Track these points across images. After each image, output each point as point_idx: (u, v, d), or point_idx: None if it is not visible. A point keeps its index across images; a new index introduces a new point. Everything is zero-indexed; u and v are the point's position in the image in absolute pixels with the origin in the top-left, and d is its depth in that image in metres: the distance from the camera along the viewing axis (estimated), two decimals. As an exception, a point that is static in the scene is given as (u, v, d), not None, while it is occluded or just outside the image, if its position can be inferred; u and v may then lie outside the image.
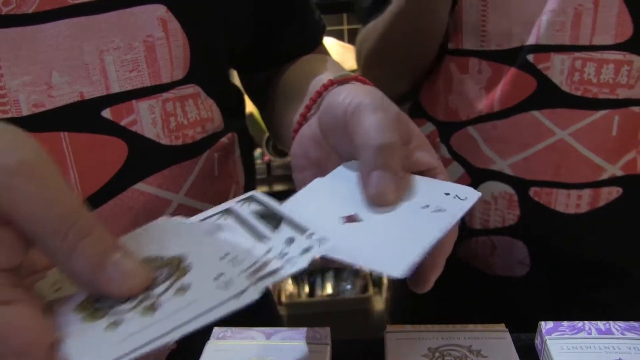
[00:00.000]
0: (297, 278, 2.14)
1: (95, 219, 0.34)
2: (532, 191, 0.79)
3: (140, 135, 0.56)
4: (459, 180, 0.83)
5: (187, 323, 0.32)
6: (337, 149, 0.49)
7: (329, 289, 2.14)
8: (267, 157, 2.08)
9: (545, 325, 0.52)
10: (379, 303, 2.09)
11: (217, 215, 0.43)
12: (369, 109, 0.45)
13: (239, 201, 0.45)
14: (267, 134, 1.83)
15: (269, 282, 0.34)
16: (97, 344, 0.32)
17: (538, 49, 0.74)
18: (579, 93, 0.74)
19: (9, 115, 0.51)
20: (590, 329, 0.52)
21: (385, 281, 2.04)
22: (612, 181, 0.76)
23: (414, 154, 0.47)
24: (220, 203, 0.61)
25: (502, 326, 0.53)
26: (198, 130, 0.61)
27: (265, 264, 0.35)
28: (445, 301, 0.89)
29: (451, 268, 0.86)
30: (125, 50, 0.54)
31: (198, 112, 0.60)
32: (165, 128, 0.57)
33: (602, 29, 0.72)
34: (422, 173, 0.47)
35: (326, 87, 0.52)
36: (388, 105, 0.46)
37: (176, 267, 0.37)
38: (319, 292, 2.14)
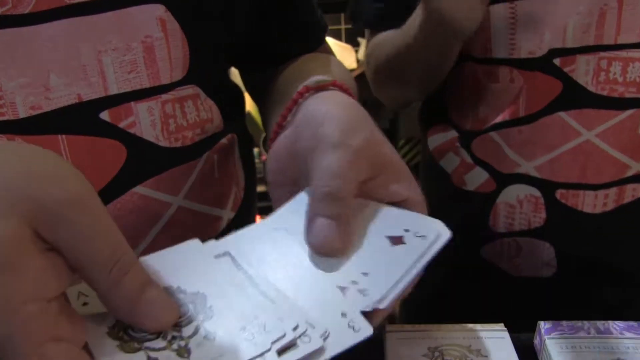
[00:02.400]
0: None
1: (133, 254, 0.35)
2: (559, 193, 0.78)
3: (139, 138, 0.55)
4: (484, 185, 0.82)
5: None
6: (301, 179, 0.47)
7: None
8: (264, 157, 2.06)
9: (544, 325, 0.53)
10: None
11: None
12: (328, 145, 0.43)
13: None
14: (264, 134, 1.82)
15: None
16: None
17: (564, 52, 0.73)
18: (605, 93, 0.73)
19: (6, 118, 0.50)
20: (589, 328, 0.53)
21: None
22: (637, 178, 0.76)
23: (387, 186, 0.46)
24: (221, 205, 0.64)
25: (501, 325, 0.54)
26: (197, 132, 0.60)
27: (292, 343, 0.36)
28: (467, 303, 0.89)
29: (475, 269, 0.86)
30: (123, 51, 0.53)
31: (197, 113, 0.59)
32: (164, 130, 0.57)
33: (627, 28, 0.71)
34: (397, 203, 0.46)
35: (301, 94, 0.51)
36: (354, 136, 0.44)
37: (201, 306, 0.38)
38: None
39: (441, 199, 0.88)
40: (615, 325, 0.53)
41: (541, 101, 0.76)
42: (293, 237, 0.44)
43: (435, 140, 0.88)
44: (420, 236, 0.43)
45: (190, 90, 0.58)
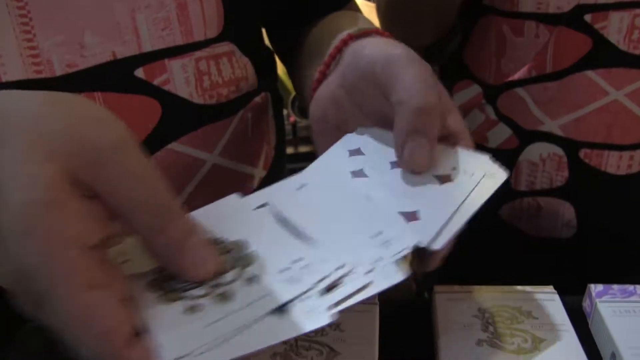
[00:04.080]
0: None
1: (178, 202, 0.35)
2: (583, 153, 0.77)
3: (174, 95, 0.55)
4: (507, 142, 0.80)
5: (262, 318, 0.34)
6: (364, 105, 0.47)
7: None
8: (292, 118, 2.04)
9: (595, 288, 0.53)
10: (415, 265, 2.08)
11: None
12: (403, 62, 0.43)
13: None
14: (292, 95, 1.80)
15: (341, 308, 0.35)
16: (179, 331, 0.33)
17: (596, 7, 0.71)
18: (637, 52, 0.72)
19: (43, 76, 0.50)
20: None
21: None
22: None
23: (444, 118, 0.45)
24: (253, 163, 0.64)
25: (550, 288, 0.54)
26: (232, 90, 0.59)
27: (337, 282, 0.36)
28: (488, 262, 0.88)
29: (494, 229, 0.85)
30: (156, 8, 0.53)
31: (232, 71, 0.59)
32: (198, 87, 0.56)
33: None
34: (446, 137, 0.45)
35: (345, 41, 0.50)
36: (421, 59, 0.44)
37: (241, 254, 0.38)
38: None
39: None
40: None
41: (569, 58, 0.74)
42: (331, 184, 0.45)
43: (461, 97, 0.86)
44: (469, 173, 0.43)
45: (225, 47, 0.58)
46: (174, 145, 0.56)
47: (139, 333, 0.33)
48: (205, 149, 0.58)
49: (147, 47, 0.53)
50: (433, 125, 0.42)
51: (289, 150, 1.99)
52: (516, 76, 0.78)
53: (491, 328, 0.48)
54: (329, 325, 0.35)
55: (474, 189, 0.42)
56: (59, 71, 0.50)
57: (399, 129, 0.42)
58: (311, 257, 0.38)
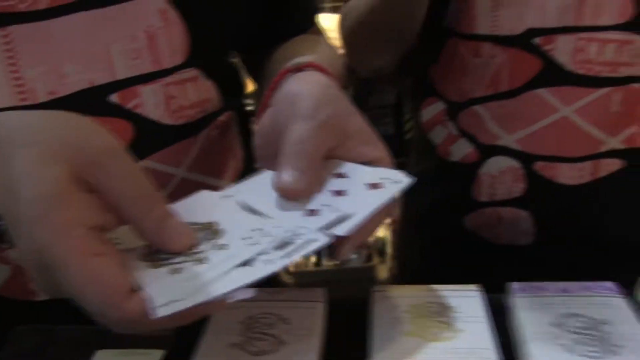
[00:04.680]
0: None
1: (157, 193, 0.44)
2: (537, 165, 0.83)
3: (145, 117, 0.62)
4: (468, 156, 0.87)
5: (230, 271, 0.43)
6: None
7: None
8: None
9: (514, 286, 0.60)
10: (383, 272, 2.14)
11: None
12: (297, 118, 0.51)
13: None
14: None
15: (296, 257, 0.45)
16: (166, 286, 0.42)
17: (544, 32, 0.78)
18: (582, 72, 0.78)
19: (27, 103, 0.56)
20: (551, 288, 0.60)
21: (389, 251, 2.10)
22: (613, 153, 0.81)
23: (356, 149, 0.53)
24: (220, 176, 0.71)
25: (475, 286, 0.61)
26: (198, 110, 0.66)
27: (288, 240, 0.46)
28: (451, 269, 0.95)
29: (459, 238, 0.91)
30: (129, 40, 0.59)
31: (198, 94, 0.65)
32: (167, 110, 0.63)
33: (605, 10, 0.76)
34: (368, 163, 0.54)
35: (282, 75, 0.57)
36: (322, 110, 0.52)
37: (211, 231, 0.48)
38: (325, 262, 2.20)
39: (429, 170, 0.94)
40: (574, 286, 0.59)
41: (522, 77, 0.81)
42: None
43: (427, 113, 0.92)
44: (395, 182, 0.52)
45: (191, 73, 0.64)
46: (146, 162, 0.62)
47: (134, 290, 0.41)
48: (174, 164, 0.64)
49: (121, 75, 0.59)
50: (303, 163, 0.50)
51: None
52: (475, 94, 0.85)
53: (417, 321, 0.55)
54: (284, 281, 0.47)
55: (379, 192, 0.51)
56: (41, 98, 0.56)
57: (277, 168, 0.51)
58: (267, 226, 0.48)
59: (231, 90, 0.72)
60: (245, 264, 0.44)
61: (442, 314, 0.56)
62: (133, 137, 0.61)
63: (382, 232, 2.20)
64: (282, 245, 0.45)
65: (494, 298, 0.59)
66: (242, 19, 0.70)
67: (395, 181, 0.52)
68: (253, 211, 0.50)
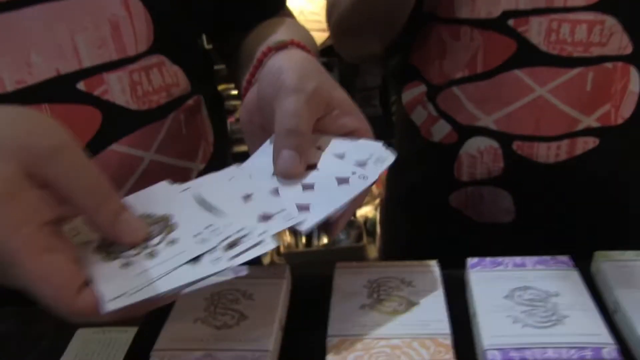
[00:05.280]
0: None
1: (110, 187, 0.45)
2: (515, 145, 0.84)
3: (112, 103, 0.64)
4: (447, 137, 0.89)
5: (179, 267, 0.45)
6: (267, 124, 0.56)
7: (324, 239, 2.22)
8: None
9: (470, 261, 0.62)
10: (373, 251, 2.17)
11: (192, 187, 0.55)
12: (286, 91, 0.53)
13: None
14: None
15: (243, 259, 0.46)
16: (116, 280, 0.44)
17: (517, 14, 0.79)
18: (555, 52, 0.79)
19: None
20: (508, 263, 0.61)
21: (378, 230, 2.12)
22: (588, 132, 0.82)
23: (339, 120, 0.56)
24: (190, 159, 0.73)
25: (434, 262, 0.63)
26: (163, 95, 0.68)
27: (237, 241, 0.47)
28: (438, 247, 0.97)
29: (444, 216, 0.93)
30: (93, 30, 0.61)
31: (162, 79, 0.68)
32: (133, 95, 0.65)
33: None
34: (349, 134, 0.56)
35: (265, 53, 0.59)
36: (308, 82, 0.54)
37: (165, 224, 0.49)
38: (315, 242, 2.22)
39: (413, 151, 0.96)
40: (531, 260, 0.61)
41: (497, 59, 0.82)
42: (251, 175, 0.56)
43: (408, 95, 0.94)
44: (363, 178, 0.53)
45: (155, 59, 0.67)
46: (115, 146, 0.64)
47: (87, 283, 0.43)
48: (142, 147, 0.67)
49: (87, 63, 0.62)
50: (299, 142, 0.53)
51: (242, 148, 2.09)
52: (454, 76, 0.86)
53: (375, 295, 0.58)
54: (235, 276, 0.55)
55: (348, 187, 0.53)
56: (9, 87, 0.59)
57: (274, 149, 0.53)
58: (219, 223, 0.49)
59: (200, 75, 0.74)
60: (192, 261, 0.45)
61: (399, 288, 0.58)
62: (102, 122, 0.63)
63: (372, 212, 2.23)
64: (231, 245, 0.46)
65: (454, 273, 0.61)
66: (208, 6, 0.72)
67: (379, 158, 0.54)
68: (209, 207, 0.51)
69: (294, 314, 0.60)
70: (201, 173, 0.73)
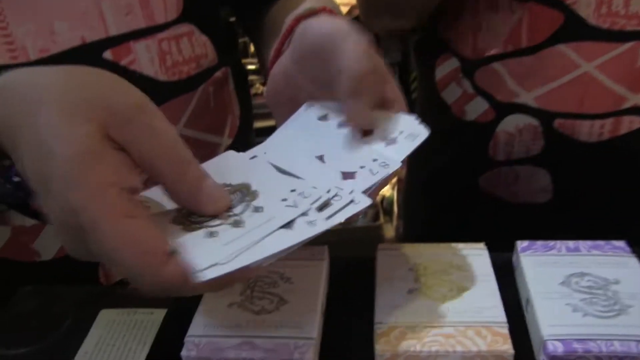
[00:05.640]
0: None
1: (190, 152, 0.41)
2: (557, 122, 0.81)
3: (140, 74, 0.61)
4: (484, 115, 0.85)
5: (271, 234, 0.41)
6: (313, 76, 0.53)
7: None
8: None
9: (521, 244, 0.58)
10: (390, 231, 2.14)
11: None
12: (344, 36, 0.49)
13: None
14: None
15: (339, 219, 0.43)
16: (204, 249, 0.40)
17: None
18: (605, 26, 0.75)
19: (19, 61, 0.55)
20: (560, 247, 0.58)
21: (395, 210, 2.09)
22: (634, 110, 0.78)
23: (378, 85, 0.51)
24: (218, 133, 0.70)
25: (481, 245, 0.59)
26: (193, 66, 0.65)
27: (328, 201, 0.44)
28: (459, 229, 0.93)
29: (474, 196, 0.90)
30: None
31: (192, 49, 0.65)
32: (162, 66, 0.62)
33: None
34: (386, 104, 0.52)
35: (297, 20, 0.55)
36: (359, 39, 0.49)
37: (247, 191, 0.46)
38: None
39: (440, 131, 0.92)
40: (584, 244, 0.57)
41: (543, 32, 0.78)
42: (304, 136, 0.53)
43: (441, 70, 0.90)
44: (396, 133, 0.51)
45: (185, 28, 0.64)
46: None
47: (172, 253, 0.39)
48: (170, 121, 0.62)
49: (113, 32, 0.59)
50: (370, 87, 0.49)
51: (270, 122, 2.07)
52: (493, 51, 0.82)
53: (422, 279, 0.54)
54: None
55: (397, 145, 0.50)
56: (33, 56, 0.56)
57: (341, 93, 0.49)
58: (303, 187, 0.45)
59: (226, 47, 0.71)
60: (285, 226, 0.42)
61: (447, 272, 0.55)
62: None
63: (389, 191, 2.19)
64: (323, 206, 0.43)
65: (500, 256, 0.58)
66: None
67: (413, 134, 0.50)
68: (284, 172, 0.48)
69: (333, 297, 0.56)
70: (228, 148, 0.70)
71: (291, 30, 0.56)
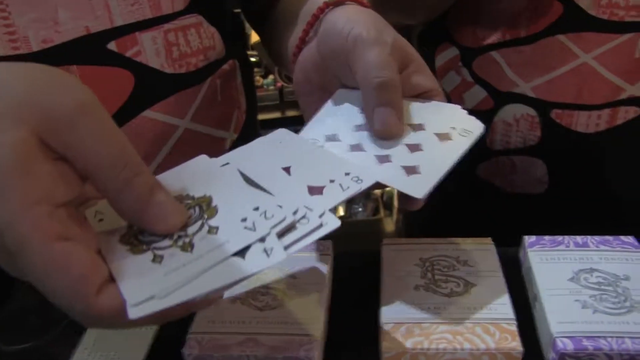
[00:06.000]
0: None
1: (140, 159, 0.37)
2: (554, 113, 0.80)
3: (145, 65, 0.59)
4: (482, 103, 0.84)
5: (221, 263, 0.36)
6: (339, 76, 0.52)
7: (341, 212, 2.18)
8: (279, 84, 2.10)
9: (528, 239, 0.58)
10: (390, 225, 2.13)
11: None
12: (367, 43, 0.48)
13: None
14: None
15: (297, 248, 0.38)
16: (144, 278, 0.36)
17: None
18: (605, 17, 0.74)
19: (20, 52, 0.53)
20: (568, 242, 0.57)
21: (395, 204, 2.08)
22: (631, 101, 0.78)
23: (412, 78, 0.50)
24: (224, 127, 0.68)
25: (488, 240, 0.58)
26: (200, 58, 0.63)
27: (292, 225, 0.39)
28: (461, 219, 0.93)
29: (470, 186, 0.89)
30: None
31: (200, 41, 0.63)
32: (168, 57, 0.60)
33: None
34: (419, 95, 0.51)
35: (322, 9, 0.54)
36: (385, 34, 0.49)
37: (206, 207, 0.41)
38: None
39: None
40: (593, 240, 0.57)
41: (542, 23, 0.77)
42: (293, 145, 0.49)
43: (440, 59, 0.89)
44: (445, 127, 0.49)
45: (193, 19, 0.62)
46: (148, 113, 0.59)
47: (110, 280, 0.35)
48: (177, 115, 0.62)
49: (119, 22, 0.56)
50: (395, 96, 0.48)
51: (276, 115, 2.06)
52: (491, 40, 0.81)
53: (429, 275, 0.53)
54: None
55: (447, 144, 0.49)
56: (35, 47, 0.53)
57: (366, 103, 0.48)
58: (267, 205, 0.40)
59: (233, 39, 0.70)
60: (238, 254, 0.37)
61: (454, 267, 0.54)
62: (134, 86, 0.58)
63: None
64: (286, 230, 0.38)
65: (506, 251, 0.57)
66: None
67: (466, 131, 0.49)
68: (253, 184, 0.43)
69: (337, 293, 0.55)
70: (235, 143, 0.69)
71: (316, 18, 0.55)
